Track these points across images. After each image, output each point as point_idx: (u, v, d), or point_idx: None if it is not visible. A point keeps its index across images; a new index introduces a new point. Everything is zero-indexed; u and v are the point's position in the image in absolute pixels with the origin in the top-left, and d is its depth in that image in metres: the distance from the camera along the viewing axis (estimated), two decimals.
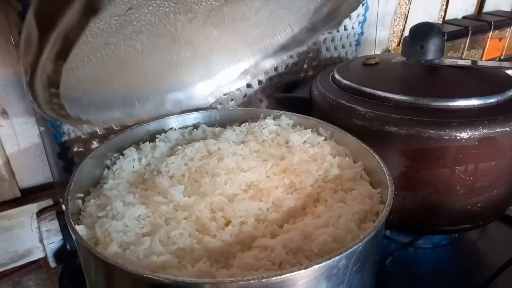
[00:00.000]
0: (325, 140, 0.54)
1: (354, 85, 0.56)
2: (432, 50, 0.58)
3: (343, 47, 0.81)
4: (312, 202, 0.45)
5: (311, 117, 0.57)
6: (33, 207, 0.55)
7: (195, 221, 0.41)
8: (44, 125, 0.53)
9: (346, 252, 0.33)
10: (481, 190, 0.51)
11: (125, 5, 0.36)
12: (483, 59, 1.03)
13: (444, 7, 1.01)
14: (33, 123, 0.53)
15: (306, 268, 0.31)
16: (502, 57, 1.09)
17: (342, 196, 0.44)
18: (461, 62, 0.60)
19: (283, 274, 0.30)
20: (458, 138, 0.47)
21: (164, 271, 0.34)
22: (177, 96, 0.57)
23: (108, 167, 0.50)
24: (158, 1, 0.40)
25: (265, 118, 0.58)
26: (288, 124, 0.58)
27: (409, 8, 0.93)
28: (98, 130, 0.57)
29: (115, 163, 0.51)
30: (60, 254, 0.56)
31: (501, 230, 0.65)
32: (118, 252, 0.37)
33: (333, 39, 0.78)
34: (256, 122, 0.58)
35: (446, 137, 0.48)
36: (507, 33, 1.05)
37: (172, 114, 0.58)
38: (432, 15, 1.00)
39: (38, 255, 0.57)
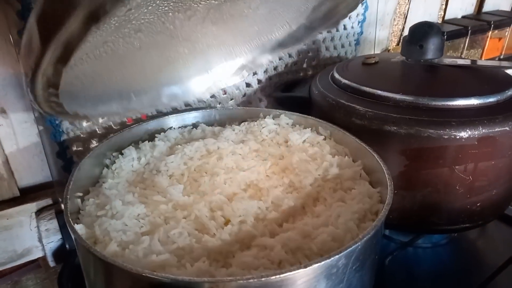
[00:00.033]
0: (325, 139, 0.54)
1: (354, 85, 0.56)
2: (431, 50, 0.58)
3: (342, 46, 0.81)
4: (312, 201, 0.45)
5: (310, 117, 0.57)
6: (32, 206, 0.55)
7: (194, 220, 0.41)
8: (43, 124, 0.53)
9: (346, 251, 0.33)
10: (481, 189, 0.51)
11: (125, 7, 0.36)
12: (483, 59, 1.03)
13: (444, 6, 1.01)
14: (32, 122, 0.53)
15: (305, 267, 0.31)
16: (501, 57, 1.09)
17: (342, 196, 0.44)
18: (460, 61, 0.60)
19: (282, 273, 0.30)
20: (458, 137, 0.47)
21: (163, 270, 0.34)
22: (174, 90, 0.56)
23: (107, 166, 0.50)
24: (158, 1, 0.40)
25: (265, 118, 0.58)
26: (288, 124, 0.58)
27: (408, 8, 0.93)
28: (97, 129, 0.57)
29: (114, 162, 0.51)
30: (59, 253, 0.56)
31: (500, 230, 0.65)
32: (117, 251, 0.37)
33: (332, 39, 0.78)
34: (256, 121, 0.58)
35: (446, 137, 0.48)
36: (507, 32, 1.05)
37: (171, 113, 0.58)
38: (432, 15, 1.00)
39: (37, 254, 0.57)
